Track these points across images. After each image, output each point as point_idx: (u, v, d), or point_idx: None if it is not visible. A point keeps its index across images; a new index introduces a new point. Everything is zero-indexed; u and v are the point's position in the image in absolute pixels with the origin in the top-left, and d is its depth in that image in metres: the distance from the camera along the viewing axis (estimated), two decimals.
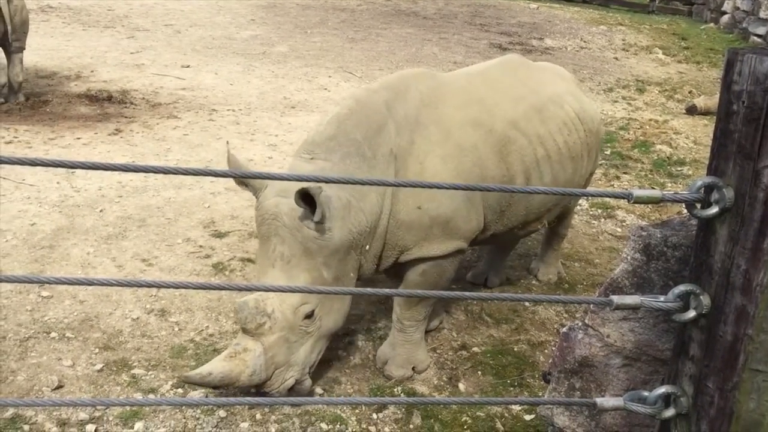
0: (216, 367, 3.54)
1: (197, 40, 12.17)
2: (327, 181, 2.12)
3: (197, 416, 3.72)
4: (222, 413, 3.74)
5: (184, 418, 3.71)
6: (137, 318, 4.51)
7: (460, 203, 4.02)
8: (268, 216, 3.63)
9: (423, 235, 3.97)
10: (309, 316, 3.64)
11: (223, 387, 3.58)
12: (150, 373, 4.00)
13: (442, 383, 4.24)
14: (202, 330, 4.47)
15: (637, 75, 12.62)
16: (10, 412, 3.58)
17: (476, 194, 4.12)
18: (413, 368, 4.28)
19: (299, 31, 13.79)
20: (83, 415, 3.63)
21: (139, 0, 14.99)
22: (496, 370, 4.38)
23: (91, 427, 3.55)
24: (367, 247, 3.86)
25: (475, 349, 4.57)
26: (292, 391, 3.78)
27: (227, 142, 3.51)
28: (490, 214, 4.27)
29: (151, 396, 3.82)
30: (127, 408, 3.66)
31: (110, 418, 3.63)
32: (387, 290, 2.18)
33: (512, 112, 4.38)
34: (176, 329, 4.43)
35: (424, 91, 4.16)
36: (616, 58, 13.91)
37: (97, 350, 4.16)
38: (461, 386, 4.22)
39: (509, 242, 5.07)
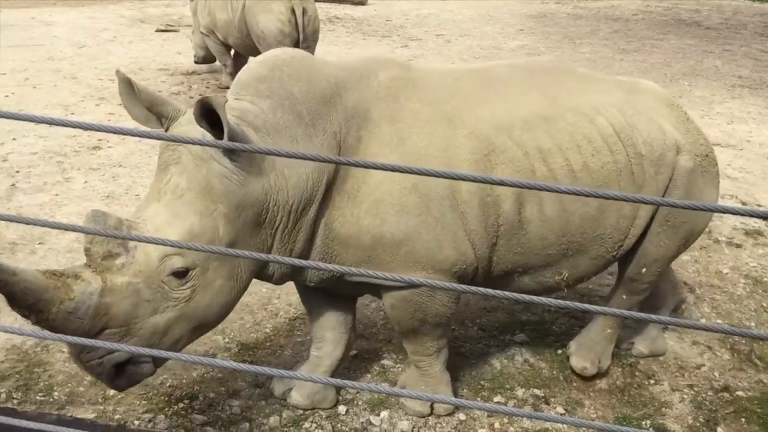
0: (28, 273, 2.61)
1: (465, 50, 12.49)
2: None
3: (438, 414, 3.82)
4: (462, 416, 3.81)
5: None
6: None
7: (415, 223, 3.18)
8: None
9: (363, 256, 3.22)
10: (179, 275, 2.80)
11: (22, 305, 2.61)
12: (397, 365, 4.20)
13: (698, 424, 3.90)
14: None
15: None
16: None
17: (450, 215, 3.24)
18: (431, 406, 3.79)
19: (567, 41, 13.52)
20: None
21: (415, 11, 15.79)
22: (763, 420, 3.93)
23: (342, 408, 3.82)
24: (280, 233, 3.10)
25: (740, 393, 4.14)
26: (120, 372, 2.87)
27: (117, 71, 3.09)
28: (478, 245, 3.34)
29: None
30: (376, 396, 3.88)
31: (360, 403, 3.87)
32: (458, 286, 1.84)
33: (506, 114, 3.39)
34: None
35: (384, 80, 3.33)
36: None
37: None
38: (719, 431, 3.85)
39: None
